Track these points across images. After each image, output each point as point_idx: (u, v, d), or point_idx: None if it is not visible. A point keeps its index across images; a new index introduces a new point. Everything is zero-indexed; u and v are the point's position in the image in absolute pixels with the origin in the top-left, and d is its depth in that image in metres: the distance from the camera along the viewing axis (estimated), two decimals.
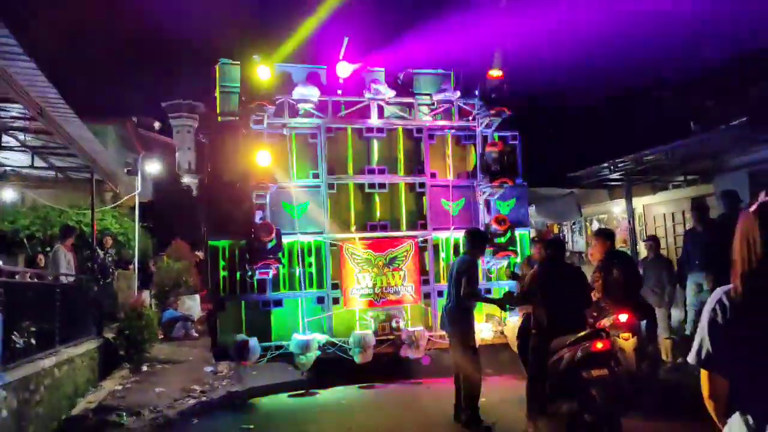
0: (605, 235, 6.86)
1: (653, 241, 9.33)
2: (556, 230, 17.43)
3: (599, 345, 5.11)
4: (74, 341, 8.30)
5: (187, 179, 47.02)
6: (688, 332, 8.69)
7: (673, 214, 15.51)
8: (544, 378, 5.70)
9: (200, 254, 22.16)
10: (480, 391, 6.44)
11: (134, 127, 16.53)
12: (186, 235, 21.29)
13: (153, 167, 15.66)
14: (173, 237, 20.51)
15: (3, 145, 9.67)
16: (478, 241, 6.96)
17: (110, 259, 12.22)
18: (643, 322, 7.13)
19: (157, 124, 53.03)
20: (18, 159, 11.01)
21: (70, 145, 9.35)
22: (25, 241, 14.07)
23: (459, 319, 6.62)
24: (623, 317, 6.06)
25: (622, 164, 11.96)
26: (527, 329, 6.53)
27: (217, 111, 9.18)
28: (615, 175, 12.71)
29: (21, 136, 9.40)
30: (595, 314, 6.32)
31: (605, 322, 6.12)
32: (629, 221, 13.10)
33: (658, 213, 15.38)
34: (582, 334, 5.39)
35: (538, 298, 5.94)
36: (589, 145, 16.13)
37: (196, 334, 14.59)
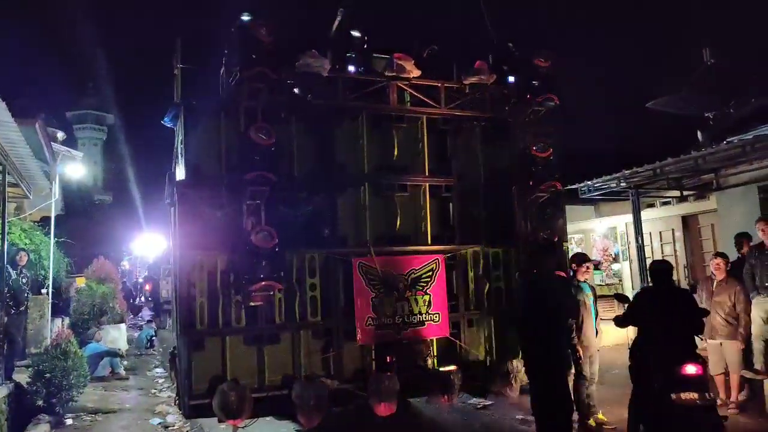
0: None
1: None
2: None
3: (691, 369, 4.93)
4: None
5: (96, 196, 42.92)
6: (757, 366, 7.43)
7: (660, 233, 14.65)
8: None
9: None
10: None
11: (44, 129, 13.85)
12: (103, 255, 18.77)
13: (76, 171, 13.05)
14: (89, 256, 17.89)
15: None
16: (576, 259, 6.47)
17: (25, 280, 9.56)
18: None
19: (60, 135, 48.56)
20: None
21: None
22: None
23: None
24: None
25: (634, 176, 10.78)
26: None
27: (178, 94, 7.07)
28: (622, 187, 11.61)
29: None
30: None
31: None
32: (637, 239, 11.90)
33: (644, 232, 14.29)
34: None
35: (642, 325, 5.62)
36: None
37: (124, 372, 12.36)
